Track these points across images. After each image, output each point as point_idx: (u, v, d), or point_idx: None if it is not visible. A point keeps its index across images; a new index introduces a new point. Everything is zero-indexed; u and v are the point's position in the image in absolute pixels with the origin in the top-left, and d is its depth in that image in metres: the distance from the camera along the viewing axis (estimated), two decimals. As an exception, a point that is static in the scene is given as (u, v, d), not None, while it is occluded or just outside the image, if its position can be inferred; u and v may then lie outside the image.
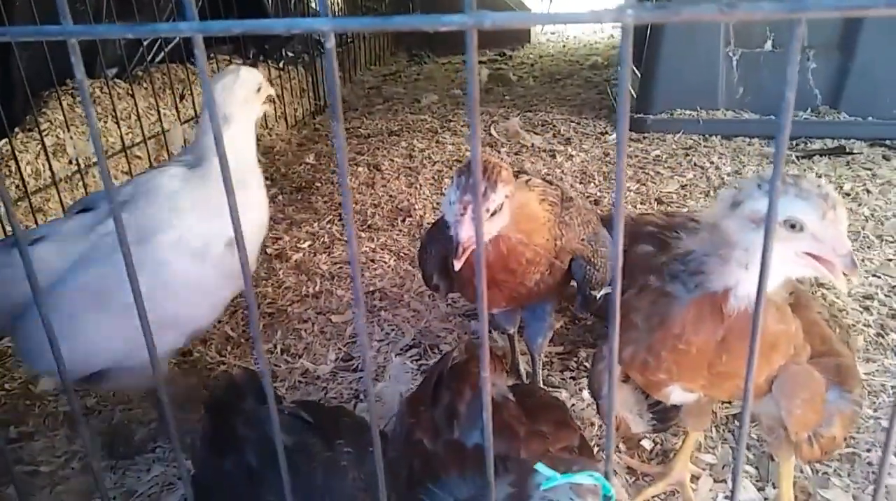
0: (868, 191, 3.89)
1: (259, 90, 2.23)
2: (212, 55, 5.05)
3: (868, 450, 2.10)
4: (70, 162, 3.64)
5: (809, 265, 1.35)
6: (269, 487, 1.29)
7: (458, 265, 1.60)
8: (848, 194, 3.87)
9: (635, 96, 5.09)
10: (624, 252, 1.30)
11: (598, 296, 2.07)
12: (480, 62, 7.29)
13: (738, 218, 1.39)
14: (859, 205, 3.71)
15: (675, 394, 1.64)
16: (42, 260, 1.79)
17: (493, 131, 5.08)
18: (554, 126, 5.30)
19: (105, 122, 3.86)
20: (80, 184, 3.50)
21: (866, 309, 2.80)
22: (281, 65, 5.59)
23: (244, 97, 2.17)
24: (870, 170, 4.19)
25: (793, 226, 1.32)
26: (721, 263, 1.44)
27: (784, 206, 1.30)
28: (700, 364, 1.51)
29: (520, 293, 1.97)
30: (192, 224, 1.94)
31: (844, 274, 1.34)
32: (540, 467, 1.04)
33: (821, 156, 4.43)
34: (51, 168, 3.27)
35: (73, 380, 1.86)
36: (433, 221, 3.29)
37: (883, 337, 2.62)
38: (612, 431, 0.92)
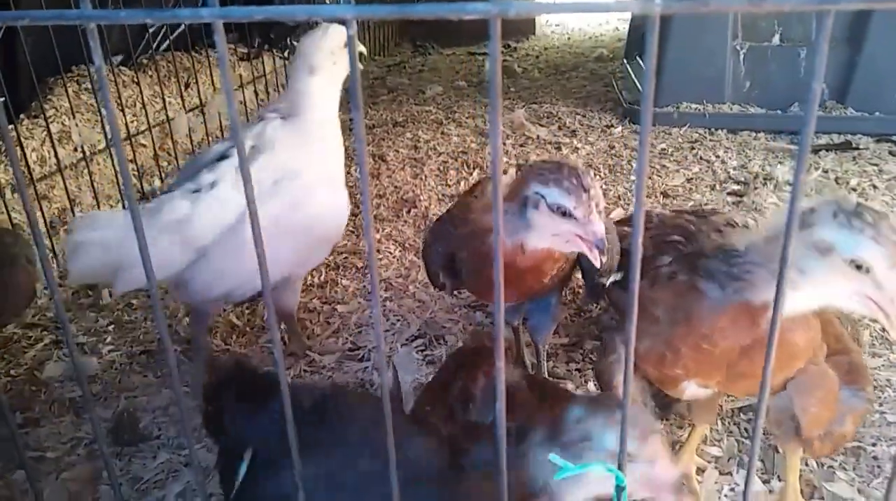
0: (874, 187, 3.88)
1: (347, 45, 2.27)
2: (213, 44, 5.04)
3: (873, 444, 2.10)
4: (75, 149, 3.64)
5: (865, 306, 1.32)
6: (319, 428, 1.30)
7: (598, 262, 1.64)
8: (854, 190, 3.86)
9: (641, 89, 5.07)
10: (645, 261, 1.28)
11: (606, 284, 2.06)
12: (485, 54, 7.26)
13: (803, 239, 1.32)
14: (866, 200, 3.69)
15: (690, 390, 1.64)
16: (226, 199, 2.11)
17: (498, 123, 5.06)
18: (559, 118, 5.29)
19: (110, 110, 3.85)
20: (85, 171, 3.49)
21: (872, 304, 2.79)
22: (286, 54, 5.57)
23: (330, 50, 2.27)
24: (876, 165, 4.18)
25: (859, 267, 1.28)
26: (769, 277, 1.38)
27: (856, 244, 1.26)
28: (720, 363, 1.50)
29: (530, 288, 1.96)
30: (318, 163, 2.30)
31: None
32: (553, 458, 1.04)
33: (827, 151, 4.42)
34: (56, 155, 3.27)
35: (250, 296, 2.33)
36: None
37: (888, 331, 2.62)
38: (627, 422, 0.92)
